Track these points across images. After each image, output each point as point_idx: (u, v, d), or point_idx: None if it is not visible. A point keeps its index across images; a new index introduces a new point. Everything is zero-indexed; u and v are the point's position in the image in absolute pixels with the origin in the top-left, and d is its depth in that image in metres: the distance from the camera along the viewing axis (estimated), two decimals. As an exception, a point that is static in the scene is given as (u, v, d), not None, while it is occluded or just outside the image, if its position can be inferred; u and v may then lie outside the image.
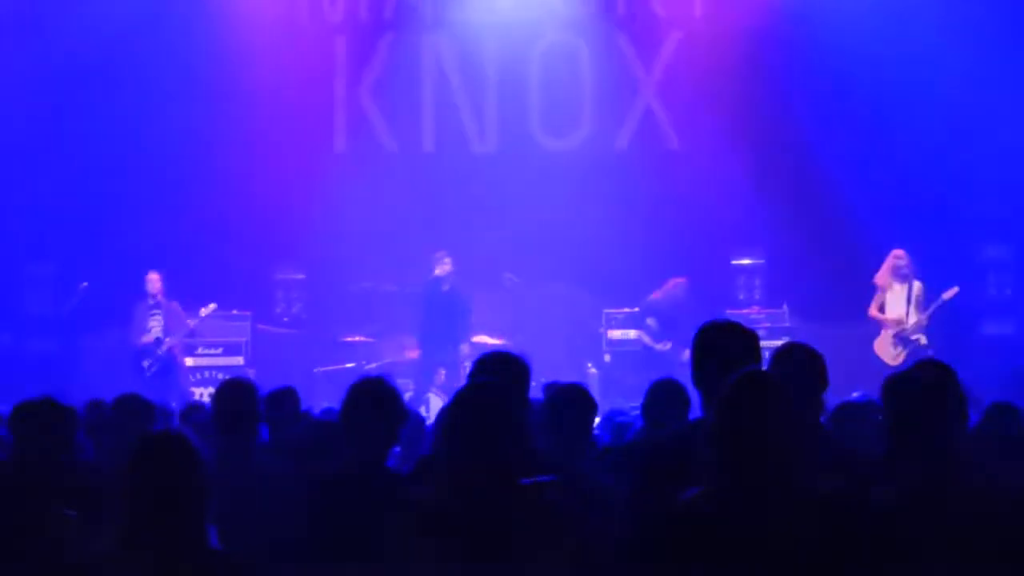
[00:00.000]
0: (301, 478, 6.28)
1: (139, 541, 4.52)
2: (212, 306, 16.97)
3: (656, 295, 17.01)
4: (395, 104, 18.83)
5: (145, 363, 16.69)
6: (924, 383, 5.45)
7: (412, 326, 17.14)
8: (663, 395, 7.67)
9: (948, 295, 15.85)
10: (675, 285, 16.94)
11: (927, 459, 5.19)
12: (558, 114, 18.77)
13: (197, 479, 4.57)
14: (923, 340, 15.84)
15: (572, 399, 6.84)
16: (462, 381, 13.61)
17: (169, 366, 16.76)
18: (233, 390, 7.30)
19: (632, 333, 16.99)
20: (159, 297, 16.90)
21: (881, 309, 16.07)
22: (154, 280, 16.86)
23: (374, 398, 5.87)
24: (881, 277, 16.09)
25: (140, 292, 16.97)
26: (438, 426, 6.55)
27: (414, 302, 16.95)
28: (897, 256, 16.03)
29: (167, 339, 16.78)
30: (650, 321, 16.92)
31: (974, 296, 17.37)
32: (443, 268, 16.80)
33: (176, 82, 17.85)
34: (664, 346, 16.67)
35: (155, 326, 16.82)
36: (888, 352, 15.94)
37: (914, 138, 17.50)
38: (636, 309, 17.28)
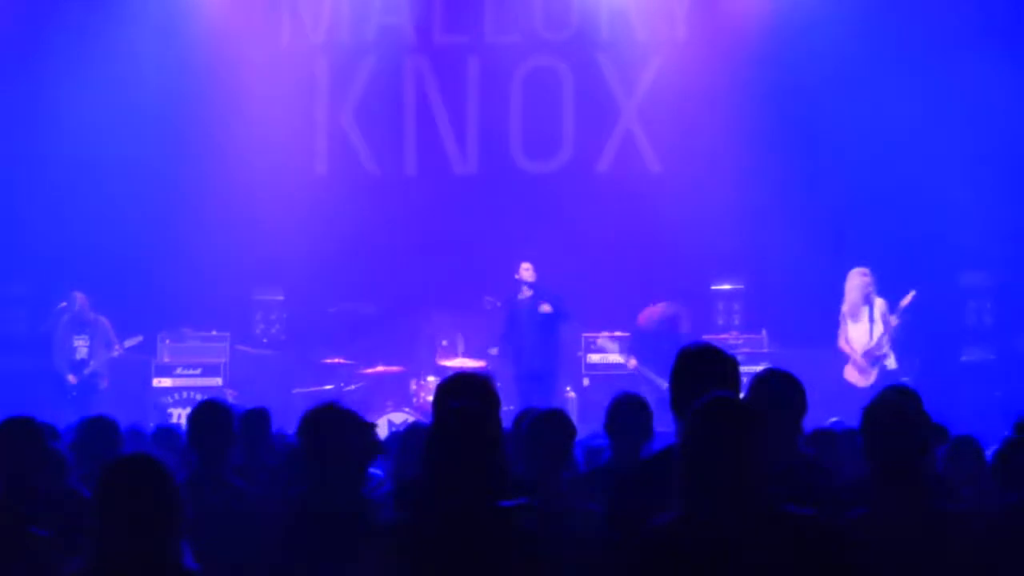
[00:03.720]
0: (274, 501, 6.25)
1: (111, 562, 4.49)
2: (138, 338, 16.96)
3: (647, 321, 16.92)
4: (377, 126, 18.83)
5: (70, 377, 16.60)
6: (901, 410, 5.47)
7: (500, 341, 16.96)
8: (623, 411, 7.64)
9: (905, 302, 15.87)
10: (664, 312, 16.88)
11: (901, 484, 5.20)
12: (539, 137, 18.79)
13: (168, 500, 4.56)
14: (892, 363, 15.91)
15: (552, 424, 6.84)
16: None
17: (91, 388, 16.65)
18: (207, 412, 7.27)
19: (632, 362, 16.80)
20: (88, 315, 16.81)
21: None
22: (80, 299, 16.76)
23: (334, 427, 5.84)
24: (853, 304, 16.11)
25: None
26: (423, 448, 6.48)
27: (501, 318, 16.84)
28: (864, 274, 16.07)
29: (92, 362, 16.71)
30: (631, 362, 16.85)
31: (953, 323, 17.39)
32: (524, 279, 16.73)
33: (157, 102, 17.83)
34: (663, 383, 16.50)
35: (81, 345, 16.75)
36: (858, 377, 15.97)
37: (894, 164, 17.55)
38: (627, 334, 17.25)
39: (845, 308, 16.18)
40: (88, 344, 16.75)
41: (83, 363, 16.69)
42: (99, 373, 16.79)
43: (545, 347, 16.57)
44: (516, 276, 16.71)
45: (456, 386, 5.92)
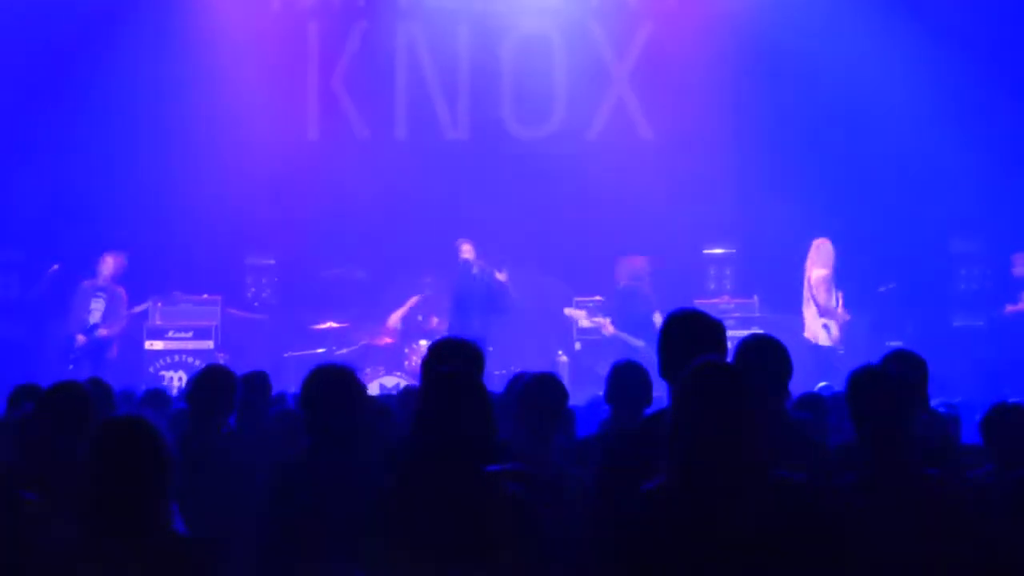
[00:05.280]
0: (267, 464, 6.27)
1: (101, 524, 4.51)
2: (146, 304, 17.09)
3: (622, 280, 16.93)
4: (368, 91, 18.79)
5: (79, 337, 16.60)
6: (886, 376, 5.48)
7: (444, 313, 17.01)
8: (624, 379, 7.66)
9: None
10: (639, 265, 16.86)
11: (890, 450, 5.21)
12: (530, 102, 18.75)
13: (158, 462, 4.57)
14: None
15: (544, 389, 6.84)
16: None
17: (99, 352, 16.63)
18: (214, 378, 7.35)
19: (609, 328, 16.80)
20: (108, 281, 16.80)
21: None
22: (108, 263, 16.76)
23: (336, 390, 5.83)
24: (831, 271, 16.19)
25: (88, 272, 16.89)
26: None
27: (447, 290, 16.86)
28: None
29: (102, 327, 16.70)
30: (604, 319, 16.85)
31: (944, 289, 17.42)
32: (465, 254, 16.74)
33: (148, 67, 17.79)
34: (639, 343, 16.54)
35: (96, 309, 16.73)
36: (824, 335, 16.00)
37: (885, 130, 17.56)
38: (599, 298, 17.23)
39: (830, 273, 16.18)
40: (103, 309, 16.73)
41: (95, 326, 16.67)
42: (110, 339, 16.78)
43: (490, 324, 16.54)
44: (462, 257, 16.72)
45: (445, 350, 5.94)
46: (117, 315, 16.78)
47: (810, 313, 16.07)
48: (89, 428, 6.23)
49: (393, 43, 18.87)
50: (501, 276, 16.55)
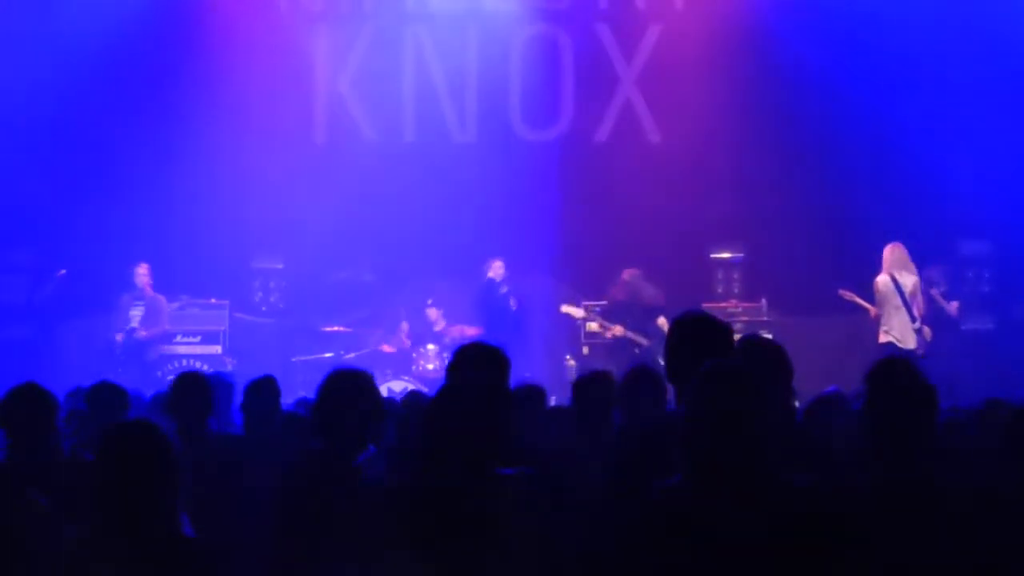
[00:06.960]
0: (275, 468, 6.28)
1: (109, 529, 4.51)
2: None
3: (616, 292, 16.86)
4: (375, 94, 18.78)
5: (118, 336, 16.72)
6: (904, 378, 5.45)
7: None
8: (637, 383, 7.65)
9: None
10: (630, 276, 16.78)
11: (903, 454, 5.19)
12: (538, 105, 18.75)
13: (166, 466, 4.58)
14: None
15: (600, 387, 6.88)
16: None
17: (137, 353, 16.74)
18: (183, 383, 7.71)
19: (618, 330, 16.71)
20: (147, 290, 16.96)
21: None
22: (142, 273, 16.96)
23: (349, 393, 5.84)
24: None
25: (121, 281, 17.03)
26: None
27: (472, 305, 16.95)
28: None
29: (141, 329, 16.79)
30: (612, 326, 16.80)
31: (953, 291, 17.39)
32: (496, 272, 16.83)
33: (156, 70, 17.83)
34: (647, 341, 16.44)
35: (136, 315, 16.87)
36: (915, 339, 15.81)
37: (894, 133, 17.53)
38: (604, 302, 17.15)
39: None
40: (141, 315, 16.87)
41: (133, 328, 16.78)
42: (150, 341, 16.92)
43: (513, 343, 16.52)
44: (490, 275, 16.82)
45: (473, 355, 5.94)
46: (156, 319, 16.99)
47: (901, 318, 15.79)
48: (55, 427, 6.38)
49: (400, 46, 18.88)
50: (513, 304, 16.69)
